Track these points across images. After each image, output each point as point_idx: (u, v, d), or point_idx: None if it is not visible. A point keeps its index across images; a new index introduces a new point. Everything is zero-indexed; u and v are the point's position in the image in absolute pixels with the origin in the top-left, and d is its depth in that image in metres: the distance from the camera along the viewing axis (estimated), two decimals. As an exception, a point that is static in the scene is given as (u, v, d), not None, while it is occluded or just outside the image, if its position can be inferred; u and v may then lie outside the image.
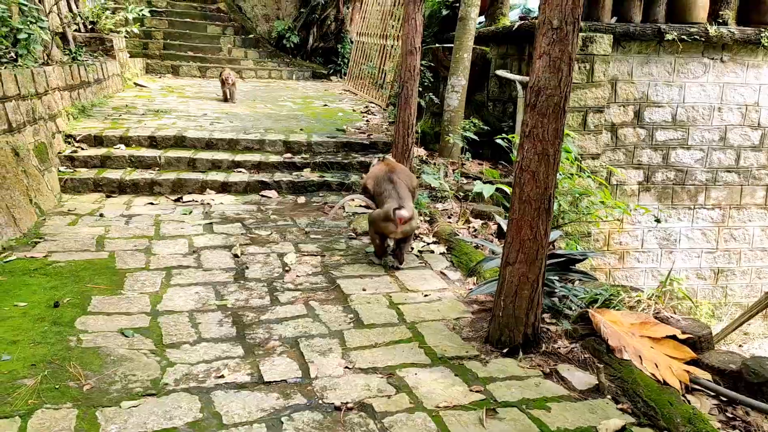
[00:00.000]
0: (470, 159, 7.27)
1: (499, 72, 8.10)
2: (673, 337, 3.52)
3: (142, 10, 11.07)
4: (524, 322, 3.57)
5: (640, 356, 3.41)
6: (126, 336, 3.54)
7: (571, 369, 3.41)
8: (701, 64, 7.71)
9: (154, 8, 14.78)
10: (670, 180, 7.95)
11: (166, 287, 4.24)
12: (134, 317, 3.78)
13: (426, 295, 4.31)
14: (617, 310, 3.72)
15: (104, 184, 6.42)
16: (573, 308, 3.97)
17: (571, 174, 6.35)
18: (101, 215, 5.67)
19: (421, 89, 7.48)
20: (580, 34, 7.31)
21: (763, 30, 7.57)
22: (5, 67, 5.67)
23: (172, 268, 4.56)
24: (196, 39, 15.25)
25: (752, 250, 8.18)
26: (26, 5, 5.83)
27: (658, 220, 5.94)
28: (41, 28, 5.92)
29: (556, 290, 4.14)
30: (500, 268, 3.63)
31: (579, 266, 4.37)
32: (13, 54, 6.08)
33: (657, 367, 3.36)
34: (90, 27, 10.45)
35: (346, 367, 3.33)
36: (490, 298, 4.23)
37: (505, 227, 4.49)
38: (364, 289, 4.36)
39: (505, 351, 3.54)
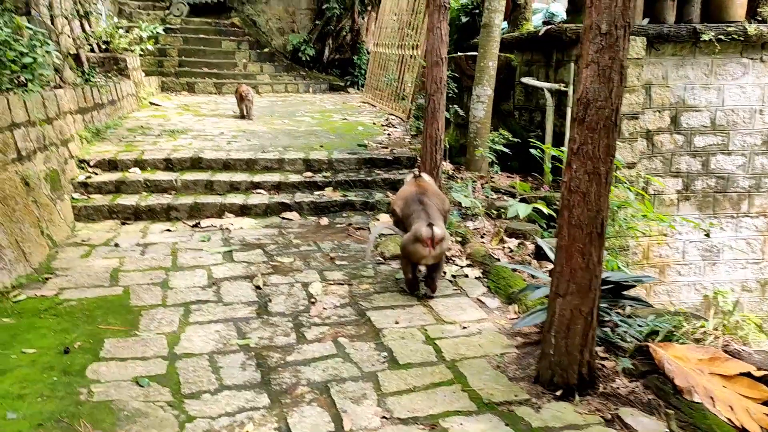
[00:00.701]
0: (498, 172, 6.92)
1: (525, 79, 7.76)
2: (748, 374, 3.15)
3: (156, 28, 10.89)
4: (578, 360, 3.22)
5: (711, 397, 3.04)
6: (141, 386, 3.24)
7: (635, 414, 3.04)
8: (740, 64, 7.31)
9: (168, 26, 14.63)
10: (710, 188, 7.54)
11: (184, 326, 3.94)
12: (150, 362, 3.48)
13: (464, 327, 3.97)
14: (681, 343, 3.35)
15: (119, 211, 6.16)
16: (628, 339, 3.60)
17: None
18: (116, 245, 5.41)
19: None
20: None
21: (805, 26, 7.16)
22: (14, 92, 5.44)
23: (190, 303, 4.27)
24: (211, 55, 15.08)
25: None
26: (31, 29, 5.59)
27: (707, 234, 5.55)
28: (48, 52, 5.68)
29: (606, 319, 3.77)
30: (549, 300, 3.29)
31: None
32: (23, 78, 5.86)
33: (732, 409, 2.99)
34: (104, 47, 10.27)
35: (384, 417, 3.00)
36: (535, 329, 3.88)
37: (546, 249, 4.15)
38: (396, 322, 4.03)
39: (558, 393, 3.18)
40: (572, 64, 6.92)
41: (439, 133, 5.11)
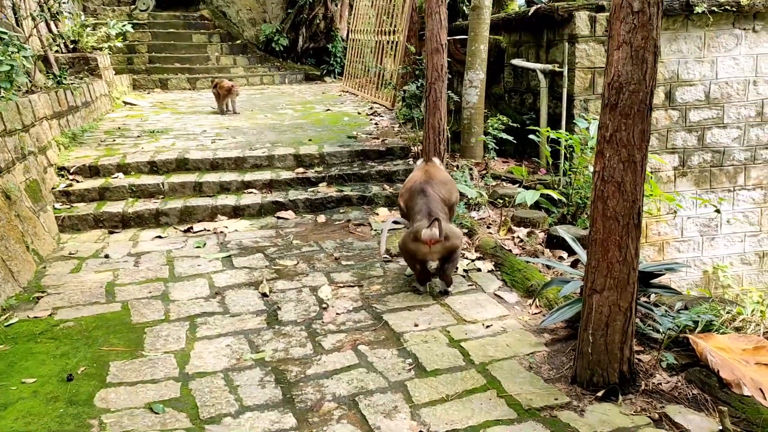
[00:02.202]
0: (495, 158, 6.74)
1: (516, 61, 7.58)
2: (795, 362, 3.02)
3: (124, 24, 10.47)
4: (619, 357, 3.06)
5: (761, 389, 2.91)
6: (156, 412, 3.02)
7: (683, 411, 2.90)
8: (733, 35, 7.20)
9: (135, 21, 14.17)
10: (707, 162, 7.45)
11: (192, 341, 3.71)
12: (162, 385, 3.25)
13: (488, 326, 3.79)
14: (721, 333, 3.22)
15: (105, 219, 5.87)
16: (661, 330, 3.45)
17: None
18: (106, 256, 5.13)
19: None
20: (603, 13, 6.80)
21: (796, -7, 7.07)
22: (-13, 102, 5.12)
23: (195, 316, 4.03)
24: (182, 50, 14.66)
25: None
26: (6, 33, 5.25)
27: (718, 211, 5.44)
28: (26, 57, 5.34)
29: (639, 310, 3.62)
30: (584, 296, 3.12)
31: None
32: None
33: (784, 401, 2.86)
34: (72, 47, 9.86)
35: (421, 432, 2.82)
36: (561, 325, 3.72)
37: (569, 240, 3.99)
38: (416, 325, 3.84)
39: (600, 394, 3.02)
40: (566, 44, 6.75)
41: (442, 122, 4.90)
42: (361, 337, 3.73)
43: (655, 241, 7.44)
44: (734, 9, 7.00)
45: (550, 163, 6.30)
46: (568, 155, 6.38)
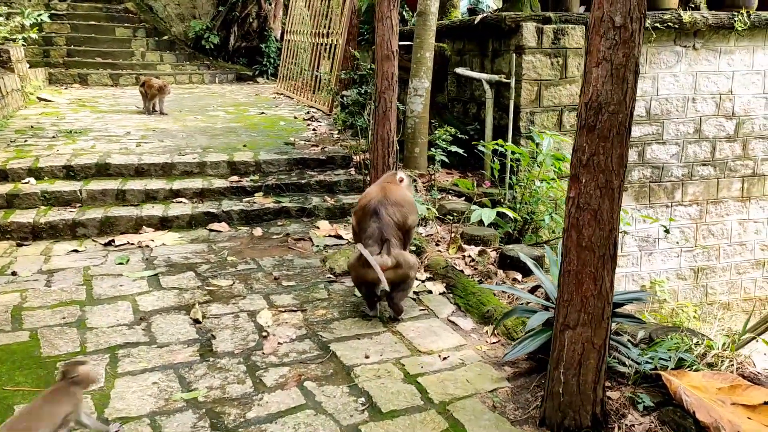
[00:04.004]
0: (439, 169, 6.50)
1: (461, 70, 7.38)
2: (771, 402, 2.87)
3: (40, 14, 9.72)
4: (591, 399, 2.83)
5: (739, 432, 2.74)
6: (69, 471, 2.57)
7: (660, 458, 2.69)
8: (674, 52, 7.23)
9: (53, 11, 13.31)
10: (646, 178, 7.46)
11: (113, 378, 3.26)
12: (77, 436, 2.80)
13: (444, 358, 3.51)
14: (695, 370, 3.04)
15: (13, 230, 5.27)
16: (627, 363, 3.26)
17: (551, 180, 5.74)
18: (14, 273, 4.57)
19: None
20: (550, 25, 6.68)
21: (735, 14, 7.15)
22: None
23: (117, 347, 3.57)
24: (104, 43, 13.83)
25: (730, 245, 7.82)
26: None
27: (667, 231, 5.36)
28: None
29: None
30: (555, 332, 2.88)
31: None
32: None
33: (763, 445, 2.70)
34: (-20, 36, 9.04)
35: (381, 490, 2.50)
36: (523, 357, 3.47)
37: (530, 264, 3.76)
38: (366, 357, 3.51)
39: (572, 439, 2.79)
40: (513, 55, 6.59)
41: (391, 134, 4.60)
42: (307, 371, 3.37)
43: (596, 256, 7.38)
44: (676, 26, 7.03)
45: (497, 176, 6.11)
46: (515, 168, 6.21)
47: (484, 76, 6.84)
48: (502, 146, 5.81)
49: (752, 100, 7.53)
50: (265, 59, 15.15)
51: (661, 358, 3.05)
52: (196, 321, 3.88)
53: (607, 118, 2.67)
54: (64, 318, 3.89)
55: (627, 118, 2.70)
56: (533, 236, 6.06)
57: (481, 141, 6.45)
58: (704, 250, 7.66)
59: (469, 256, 4.79)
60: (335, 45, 9.37)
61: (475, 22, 7.10)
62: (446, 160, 5.83)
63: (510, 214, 4.75)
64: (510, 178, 6.16)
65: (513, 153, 5.63)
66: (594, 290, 2.76)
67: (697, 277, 7.81)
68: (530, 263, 3.62)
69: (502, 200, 6.15)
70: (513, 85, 6.52)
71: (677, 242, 7.58)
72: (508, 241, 5.73)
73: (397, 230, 3.87)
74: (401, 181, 4.04)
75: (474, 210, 4.49)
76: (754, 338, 3.87)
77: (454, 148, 5.73)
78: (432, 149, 5.96)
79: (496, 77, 6.68)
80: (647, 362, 3.06)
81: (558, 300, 2.87)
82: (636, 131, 7.29)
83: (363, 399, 3.11)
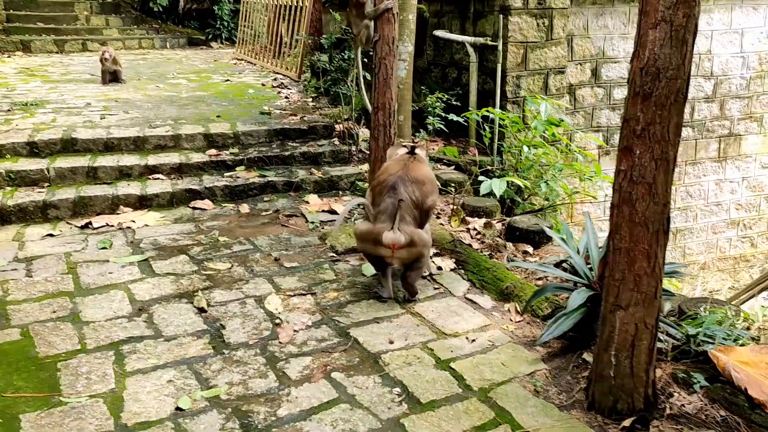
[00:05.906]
0: (426, 138, 6.29)
1: (441, 33, 7.12)
2: (820, 375, 2.82)
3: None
4: (644, 381, 2.72)
5: (795, 408, 2.68)
6: (96, 489, 2.33)
7: (719, 439, 2.61)
8: (655, 13, 7.12)
9: (-12, -28, 12.37)
10: (628, 141, 7.40)
11: (123, 378, 2.99)
12: (96, 447, 2.55)
13: (472, 340, 3.35)
14: (741, 344, 2.96)
15: (-22, 215, 4.85)
16: (662, 339, 3.16)
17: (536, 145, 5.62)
18: (-13, 263, 4.19)
19: (366, 60, 6.39)
20: (534, -15, 6.47)
21: (716, -28, 7.10)
22: None
23: (120, 343, 3.28)
24: (46, 7, 13.00)
25: (707, 205, 7.89)
26: None
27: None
28: None
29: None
30: (605, 312, 2.74)
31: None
32: None
33: (820, 420, 2.64)
34: None
35: (441, 490, 2.34)
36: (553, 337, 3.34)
37: (556, 238, 3.61)
38: (391, 342, 3.33)
39: (626, 424, 2.67)
40: (500, 16, 6.36)
41: (393, 103, 4.35)
42: (331, 360, 3.17)
43: (580, 221, 7.35)
44: (659, -15, 6.91)
45: (487, 144, 5.94)
46: (504, 135, 6.05)
47: (468, 39, 6.61)
48: (492, 113, 5.62)
49: (730, 60, 7.52)
50: (219, 22, 14.52)
51: (706, 334, 2.95)
52: (201, 310, 3.61)
53: (665, 85, 2.50)
54: (54, 312, 3.57)
55: (684, 84, 2.53)
56: (524, 204, 5.94)
57: (469, 107, 6.25)
58: (682, 211, 7.70)
59: (474, 228, 4.63)
60: (302, 7, 8.95)
61: (457, -17, 6.83)
62: (444, 128, 5.62)
63: (521, 183, 4.59)
64: (504, 146, 6.00)
65: (509, 120, 5.45)
66: (647, 268, 2.62)
67: (675, 239, 7.87)
68: (557, 237, 3.48)
69: (491, 168, 5.99)
70: (500, 48, 6.31)
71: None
72: (501, 211, 5.59)
73: (413, 209, 3.65)
74: (421, 155, 3.81)
75: (483, 182, 4.30)
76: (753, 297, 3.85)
77: (452, 116, 5.51)
78: (426, 117, 5.73)
79: (480, 40, 6.46)
80: (692, 337, 2.96)
81: (608, 279, 2.73)
82: (618, 93, 7.24)
83: (398, 389, 2.93)
